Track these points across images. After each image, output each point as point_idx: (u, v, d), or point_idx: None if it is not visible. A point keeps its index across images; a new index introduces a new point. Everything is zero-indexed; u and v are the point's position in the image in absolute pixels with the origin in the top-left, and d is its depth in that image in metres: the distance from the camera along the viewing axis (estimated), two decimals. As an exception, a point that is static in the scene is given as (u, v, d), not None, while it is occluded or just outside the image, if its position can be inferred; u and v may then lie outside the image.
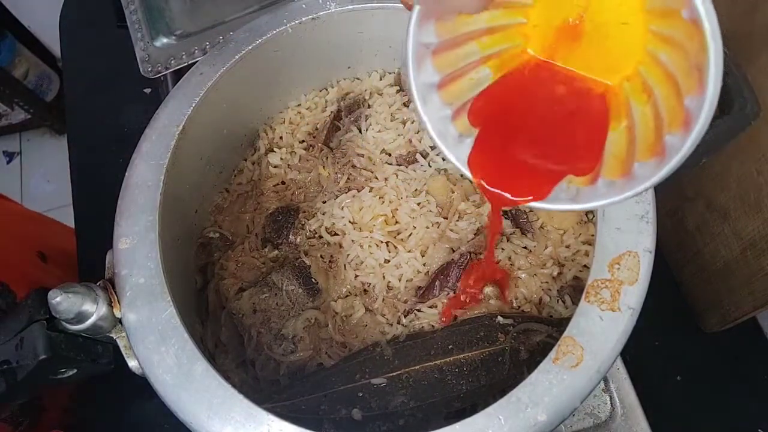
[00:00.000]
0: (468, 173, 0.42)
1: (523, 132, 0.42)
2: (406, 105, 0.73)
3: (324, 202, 0.69)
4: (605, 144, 0.40)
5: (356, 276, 0.64)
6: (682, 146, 0.34)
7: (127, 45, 0.86)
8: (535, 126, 0.42)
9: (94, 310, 0.48)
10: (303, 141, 0.74)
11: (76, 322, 0.48)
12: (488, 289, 0.61)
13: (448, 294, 0.62)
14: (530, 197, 0.40)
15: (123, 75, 1.05)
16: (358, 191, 0.68)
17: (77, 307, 0.47)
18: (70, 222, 1.02)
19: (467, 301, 0.61)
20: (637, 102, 0.39)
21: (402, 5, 0.41)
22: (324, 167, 0.70)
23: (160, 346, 0.49)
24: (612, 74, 0.40)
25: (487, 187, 0.41)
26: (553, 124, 0.41)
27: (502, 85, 0.43)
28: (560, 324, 0.54)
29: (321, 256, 0.65)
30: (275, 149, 0.74)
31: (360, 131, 0.72)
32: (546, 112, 0.41)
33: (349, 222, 0.66)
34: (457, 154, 0.42)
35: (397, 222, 0.66)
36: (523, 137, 0.42)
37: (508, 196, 0.41)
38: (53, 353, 0.47)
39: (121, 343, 0.51)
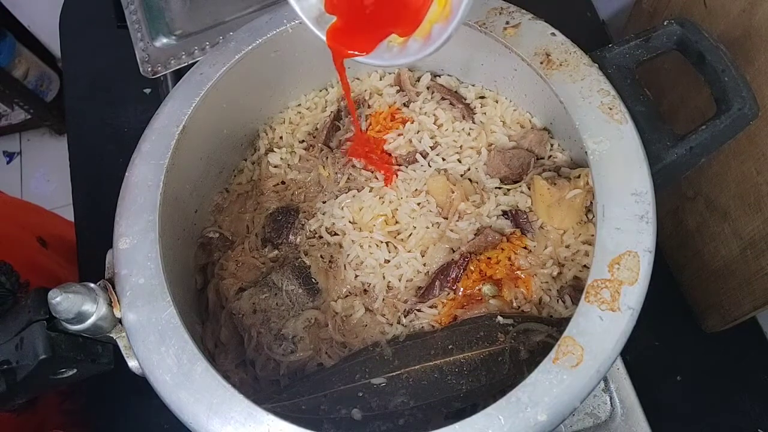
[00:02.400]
0: (322, 36, 0.52)
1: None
2: (406, 105, 0.73)
3: (324, 202, 0.69)
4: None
5: (356, 276, 0.64)
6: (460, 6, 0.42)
7: (127, 45, 0.86)
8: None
9: (94, 310, 0.49)
10: (303, 141, 0.74)
11: (76, 322, 0.48)
12: (487, 288, 0.61)
13: (449, 294, 0.62)
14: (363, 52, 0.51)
15: (123, 75, 1.05)
16: (358, 191, 0.68)
17: (77, 307, 0.47)
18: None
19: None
20: None
21: None
22: (324, 167, 0.70)
23: (160, 346, 0.49)
24: None
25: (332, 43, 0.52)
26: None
27: None
28: (560, 324, 0.54)
29: (321, 256, 0.65)
30: (275, 149, 0.74)
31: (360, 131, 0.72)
32: None
33: (349, 222, 0.66)
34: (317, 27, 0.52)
35: (397, 222, 0.66)
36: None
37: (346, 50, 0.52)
38: (53, 353, 0.47)
39: (121, 343, 0.51)
